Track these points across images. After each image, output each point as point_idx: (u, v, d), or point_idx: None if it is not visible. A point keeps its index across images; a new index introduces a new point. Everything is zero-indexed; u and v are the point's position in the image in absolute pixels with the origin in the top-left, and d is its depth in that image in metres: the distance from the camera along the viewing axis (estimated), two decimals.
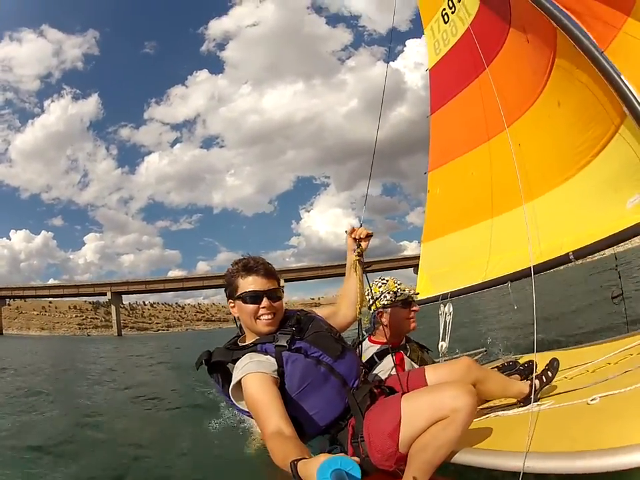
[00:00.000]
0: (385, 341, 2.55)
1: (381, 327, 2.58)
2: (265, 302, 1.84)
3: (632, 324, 3.59)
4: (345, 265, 2.27)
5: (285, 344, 1.82)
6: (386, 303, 2.62)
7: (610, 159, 2.91)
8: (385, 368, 2.43)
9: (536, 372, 2.84)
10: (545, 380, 2.19)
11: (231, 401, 1.81)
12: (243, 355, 1.81)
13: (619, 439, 1.36)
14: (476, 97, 4.21)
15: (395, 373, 2.25)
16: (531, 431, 1.60)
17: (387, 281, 2.71)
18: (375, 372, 2.44)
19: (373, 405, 1.84)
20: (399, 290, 2.66)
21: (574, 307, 8.93)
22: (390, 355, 2.40)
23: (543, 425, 1.67)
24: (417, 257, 5.05)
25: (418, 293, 2.72)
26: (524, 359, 3.40)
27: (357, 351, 2.38)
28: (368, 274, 2.29)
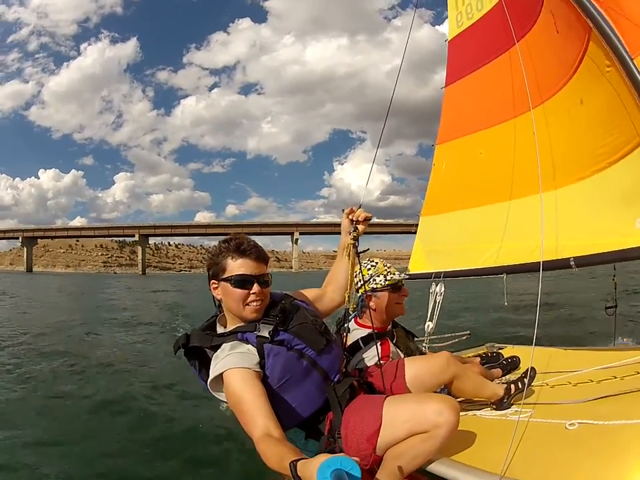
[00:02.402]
0: (370, 325, 2.37)
1: (368, 310, 2.39)
2: (255, 287, 1.68)
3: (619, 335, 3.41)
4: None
5: (267, 335, 1.67)
6: (375, 286, 2.43)
7: (628, 171, 2.60)
8: (370, 355, 2.26)
9: (518, 368, 2.71)
10: (519, 387, 2.05)
11: (209, 390, 1.66)
12: (222, 343, 1.66)
13: None
14: (492, 77, 3.87)
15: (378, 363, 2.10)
16: (509, 455, 1.48)
17: (377, 263, 2.51)
18: (359, 358, 2.30)
19: (353, 401, 1.71)
20: (388, 273, 2.46)
21: (567, 306, 8.65)
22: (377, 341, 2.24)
23: (520, 443, 1.56)
24: None
25: (408, 277, 2.51)
26: (507, 350, 3.25)
27: (342, 330, 2.24)
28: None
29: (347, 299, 2.02)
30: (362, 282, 2.40)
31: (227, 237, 1.79)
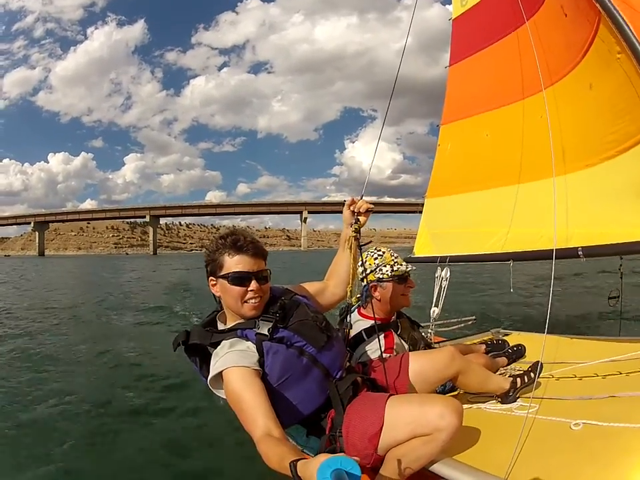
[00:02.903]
0: (375, 316, 2.31)
1: (372, 300, 2.34)
2: (253, 284, 1.64)
3: (624, 329, 3.34)
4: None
5: (267, 333, 1.62)
6: (381, 276, 2.35)
7: (637, 161, 2.50)
8: (373, 347, 2.21)
9: (524, 357, 2.68)
10: (526, 381, 2.02)
11: (209, 387, 1.63)
12: (222, 340, 1.63)
13: None
14: (499, 57, 3.74)
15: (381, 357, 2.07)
16: (514, 457, 1.45)
17: (383, 252, 2.43)
18: (362, 350, 2.25)
19: (355, 399, 1.68)
20: (395, 264, 2.38)
21: (577, 292, 8.51)
22: (380, 333, 2.18)
23: (524, 443, 1.52)
24: None
25: (412, 261, 2.44)
26: (513, 337, 3.22)
27: (345, 324, 2.20)
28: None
29: (348, 293, 1.97)
30: (367, 271, 2.34)
31: (224, 232, 1.74)
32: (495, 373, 2.45)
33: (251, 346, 1.60)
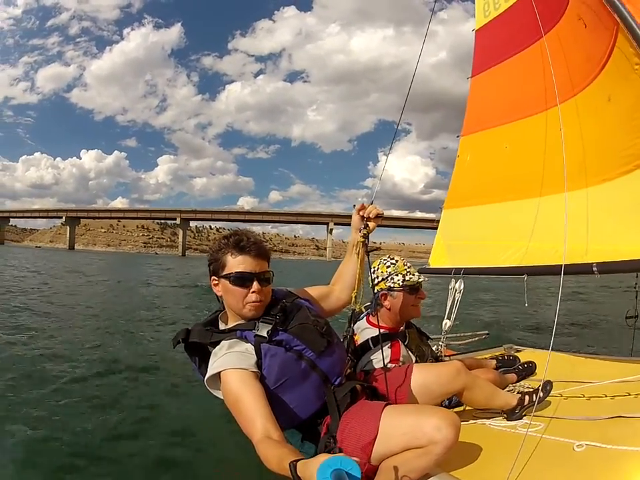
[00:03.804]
0: (383, 325, 2.26)
1: (382, 309, 2.29)
2: (255, 285, 1.61)
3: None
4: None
5: (265, 335, 1.59)
6: (392, 285, 2.29)
7: None
8: (379, 357, 2.10)
9: (534, 374, 2.59)
10: (534, 399, 1.93)
11: (206, 386, 1.61)
12: (222, 340, 1.61)
13: None
14: (521, 69, 3.68)
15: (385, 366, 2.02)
16: (510, 476, 1.39)
17: (397, 261, 2.36)
18: (367, 359, 2.19)
19: (353, 406, 1.63)
20: (407, 273, 2.31)
21: (592, 310, 8.17)
22: (386, 343, 2.16)
23: (525, 462, 1.46)
24: None
25: (427, 279, 2.38)
26: (525, 353, 3.12)
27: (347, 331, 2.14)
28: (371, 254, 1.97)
29: (353, 299, 1.92)
30: (379, 279, 2.29)
31: (228, 232, 1.72)
32: (503, 389, 2.37)
33: (249, 348, 1.57)
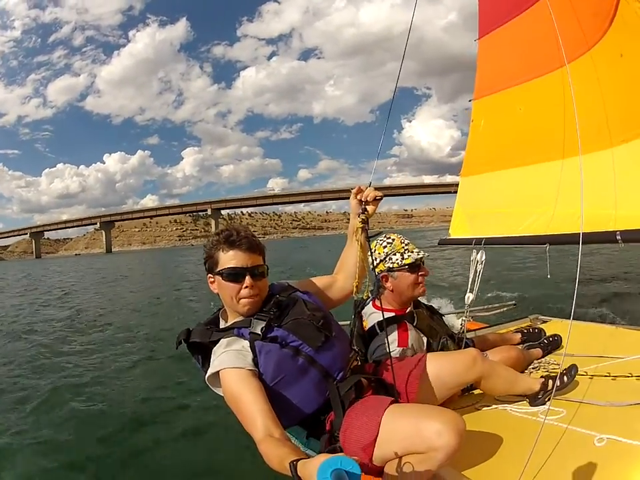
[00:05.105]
0: (389, 307, 2.18)
1: (385, 291, 2.18)
2: (247, 280, 1.55)
3: None
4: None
5: (259, 332, 1.54)
6: (391, 265, 2.16)
7: None
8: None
9: (560, 348, 2.44)
10: (558, 384, 1.79)
11: (207, 383, 1.58)
12: (221, 338, 1.58)
13: None
14: (528, 27, 3.43)
15: (394, 350, 1.97)
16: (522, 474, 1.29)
17: (393, 240, 2.22)
18: (376, 345, 2.09)
19: (357, 402, 1.56)
20: (406, 251, 2.17)
21: (615, 283, 7.46)
22: (393, 326, 2.06)
23: (542, 454, 1.38)
24: None
25: (428, 255, 2.24)
26: (552, 324, 2.96)
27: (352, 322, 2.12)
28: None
29: (354, 288, 1.77)
30: (377, 261, 2.18)
31: (220, 229, 1.67)
32: (528, 366, 2.28)
33: (246, 345, 1.53)
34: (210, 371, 1.50)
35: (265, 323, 1.56)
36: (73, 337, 6.99)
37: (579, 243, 1.95)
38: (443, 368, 1.75)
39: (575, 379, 1.86)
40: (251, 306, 1.58)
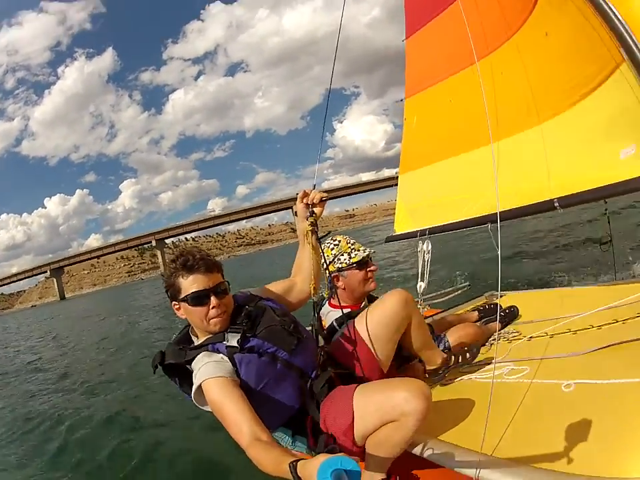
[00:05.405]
0: (344, 304, 2.24)
1: (338, 290, 2.27)
2: (213, 301, 1.59)
3: (620, 273, 3.19)
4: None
5: (236, 344, 1.58)
6: (340, 266, 2.26)
7: (603, 102, 2.35)
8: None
9: (518, 317, 2.55)
10: (459, 361, 2.07)
11: (195, 403, 1.58)
12: (197, 355, 1.58)
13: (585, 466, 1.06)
14: (453, 21, 3.53)
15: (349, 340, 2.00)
16: (486, 428, 1.32)
17: (339, 241, 2.33)
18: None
19: (328, 395, 1.64)
20: (352, 250, 2.28)
21: (560, 248, 7.96)
22: (350, 321, 2.07)
23: (512, 408, 1.41)
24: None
25: (374, 251, 2.33)
26: (507, 297, 3.08)
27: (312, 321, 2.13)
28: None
29: (311, 290, 1.87)
30: (326, 263, 2.23)
31: (174, 256, 1.66)
32: (487, 340, 2.34)
33: (224, 357, 1.56)
34: (194, 389, 1.52)
35: (240, 334, 1.60)
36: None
37: (518, 218, 2.04)
38: (377, 315, 1.87)
39: (537, 340, 1.96)
40: (221, 324, 1.62)
